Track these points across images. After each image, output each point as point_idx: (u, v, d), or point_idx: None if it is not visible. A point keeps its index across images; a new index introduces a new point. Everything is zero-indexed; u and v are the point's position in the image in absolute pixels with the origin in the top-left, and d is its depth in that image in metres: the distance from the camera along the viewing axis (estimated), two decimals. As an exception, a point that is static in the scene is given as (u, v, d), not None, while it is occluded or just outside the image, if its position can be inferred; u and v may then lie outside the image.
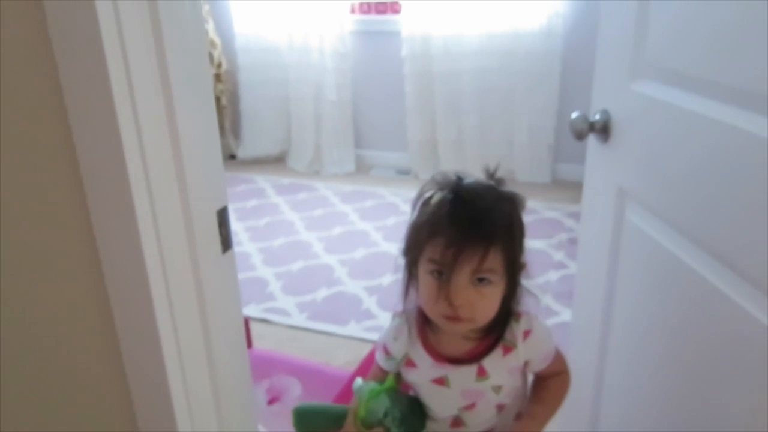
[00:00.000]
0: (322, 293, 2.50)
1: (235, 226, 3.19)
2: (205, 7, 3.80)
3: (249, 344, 1.62)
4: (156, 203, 0.65)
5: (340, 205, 3.46)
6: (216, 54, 3.90)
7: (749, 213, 0.74)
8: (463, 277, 0.81)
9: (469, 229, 0.81)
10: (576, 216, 2.91)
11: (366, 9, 3.82)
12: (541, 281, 2.51)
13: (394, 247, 2.89)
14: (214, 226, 0.72)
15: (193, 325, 0.73)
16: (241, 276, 2.61)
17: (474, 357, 0.90)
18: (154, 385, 0.71)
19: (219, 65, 3.95)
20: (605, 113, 1.11)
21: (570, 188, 3.38)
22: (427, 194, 0.87)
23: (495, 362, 0.90)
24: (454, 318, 0.84)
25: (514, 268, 0.86)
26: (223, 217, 0.73)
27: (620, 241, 1.09)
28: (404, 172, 3.93)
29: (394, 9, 3.74)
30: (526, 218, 0.89)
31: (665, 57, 0.94)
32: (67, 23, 0.58)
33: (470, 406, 0.93)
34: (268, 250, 2.92)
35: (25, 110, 0.65)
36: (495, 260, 0.82)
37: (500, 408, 0.95)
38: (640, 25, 0.99)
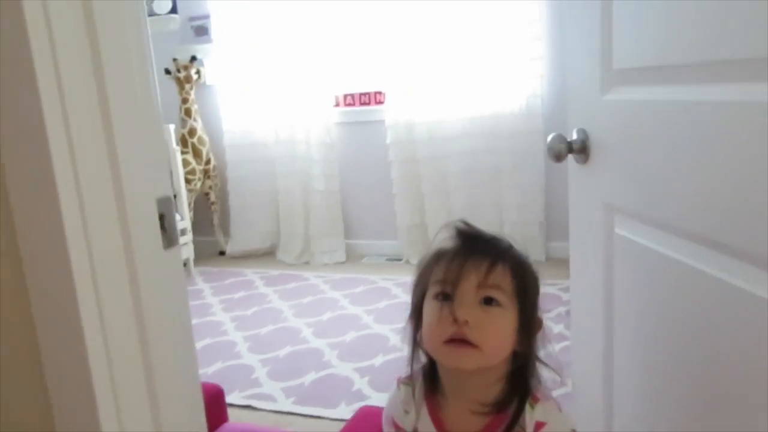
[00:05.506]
0: (311, 377, 2.34)
1: (221, 316, 3.07)
2: (194, 107, 3.90)
3: (225, 418, 1.48)
4: (83, 186, 0.58)
5: (330, 292, 3.36)
6: (205, 151, 3.95)
7: (739, 193, 0.68)
8: (468, 289, 0.75)
9: (476, 243, 0.79)
10: (572, 287, 2.83)
11: (350, 101, 3.93)
12: (542, 354, 2.38)
13: (386, 329, 2.76)
14: (154, 215, 0.65)
15: (128, 334, 0.64)
16: (224, 364, 2.51)
17: None
18: (79, 395, 0.61)
19: (208, 162, 4.00)
20: (582, 132, 1.08)
21: (565, 265, 3.28)
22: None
23: None
24: (458, 341, 0.73)
25: (525, 302, 0.79)
26: (165, 207, 0.66)
27: (613, 257, 1.02)
28: (395, 259, 3.86)
29: (378, 100, 3.84)
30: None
31: (631, 57, 0.91)
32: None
33: None
34: (254, 338, 2.78)
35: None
36: (503, 278, 0.76)
37: None
38: (605, 34, 0.98)
